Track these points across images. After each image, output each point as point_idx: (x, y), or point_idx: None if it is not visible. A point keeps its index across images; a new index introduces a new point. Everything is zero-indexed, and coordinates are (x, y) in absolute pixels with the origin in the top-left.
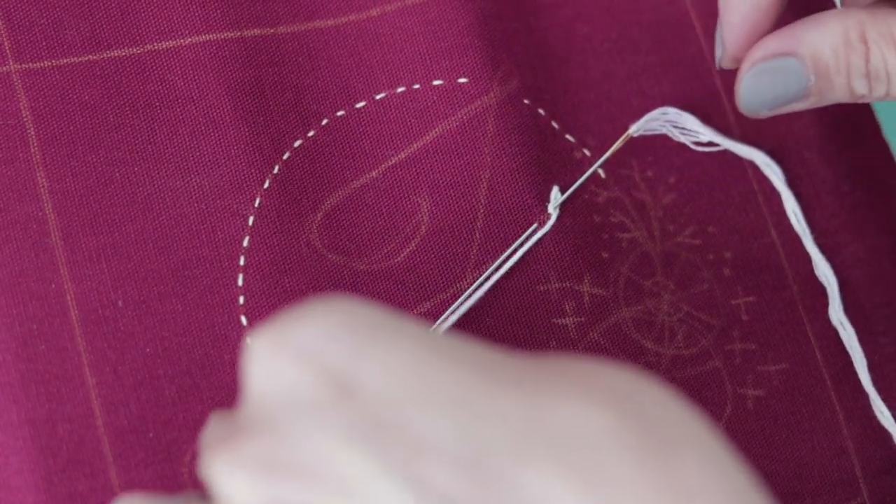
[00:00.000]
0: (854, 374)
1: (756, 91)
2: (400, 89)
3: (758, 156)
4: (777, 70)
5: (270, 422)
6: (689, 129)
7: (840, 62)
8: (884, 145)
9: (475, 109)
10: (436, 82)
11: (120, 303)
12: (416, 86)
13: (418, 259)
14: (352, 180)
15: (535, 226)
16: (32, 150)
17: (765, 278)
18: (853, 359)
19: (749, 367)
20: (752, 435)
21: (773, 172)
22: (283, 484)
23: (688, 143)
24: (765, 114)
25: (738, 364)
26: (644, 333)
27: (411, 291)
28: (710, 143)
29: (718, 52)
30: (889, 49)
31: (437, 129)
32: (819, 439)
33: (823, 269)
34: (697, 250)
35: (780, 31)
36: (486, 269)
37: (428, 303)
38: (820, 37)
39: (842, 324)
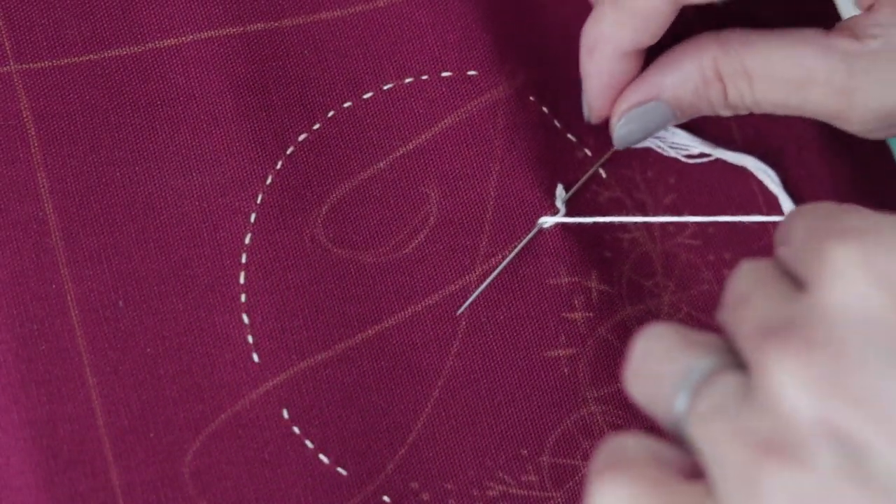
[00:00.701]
0: None
1: (628, 135)
2: (408, 80)
3: (750, 161)
4: (644, 114)
5: (839, 340)
6: (678, 143)
7: (701, 98)
8: (884, 147)
9: (485, 102)
10: (445, 74)
11: (120, 303)
12: (425, 77)
13: (427, 251)
14: (360, 171)
15: (543, 219)
16: (33, 151)
17: None
18: None
19: None
20: None
21: (768, 177)
22: (842, 409)
23: (679, 156)
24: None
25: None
26: None
27: (419, 283)
28: (703, 154)
29: (586, 111)
30: (744, 83)
31: (446, 121)
32: None
33: None
34: (697, 251)
35: (640, 79)
36: (495, 261)
37: (436, 294)
38: (679, 80)
39: None
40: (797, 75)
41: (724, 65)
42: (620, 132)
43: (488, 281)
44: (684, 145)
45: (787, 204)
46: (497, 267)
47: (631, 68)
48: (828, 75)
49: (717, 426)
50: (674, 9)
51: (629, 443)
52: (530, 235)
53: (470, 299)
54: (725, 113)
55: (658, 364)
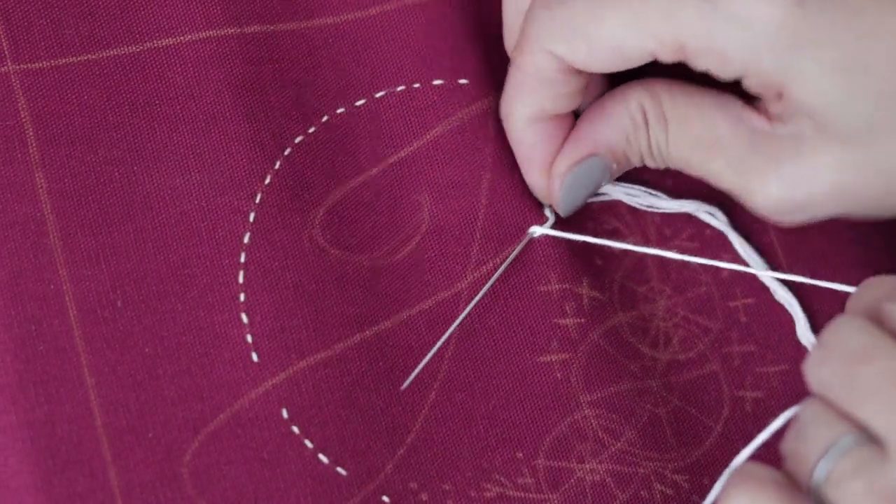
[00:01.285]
0: None
1: (573, 200)
2: (400, 88)
3: (693, 206)
4: (583, 173)
5: None
6: (617, 196)
7: (632, 147)
8: None
9: (476, 110)
10: (436, 82)
11: (119, 302)
12: (417, 85)
13: (419, 257)
14: (353, 177)
15: (533, 228)
16: (31, 151)
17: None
18: None
19: (748, 368)
20: (750, 436)
21: (718, 220)
22: None
23: (638, 206)
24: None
25: (736, 366)
26: (639, 338)
27: (413, 288)
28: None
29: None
30: (661, 132)
31: (437, 129)
32: None
33: (783, 295)
34: (695, 253)
35: (573, 136)
36: (486, 269)
37: (430, 300)
38: (611, 131)
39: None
40: (705, 137)
41: (650, 109)
42: (564, 199)
43: (473, 303)
44: (631, 195)
45: (735, 238)
46: (489, 275)
47: (553, 134)
48: (731, 147)
49: (857, 484)
50: (566, 76)
51: (761, 468)
52: (518, 248)
53: (456, 322)
54: (651, 164)
55: (812, 432)
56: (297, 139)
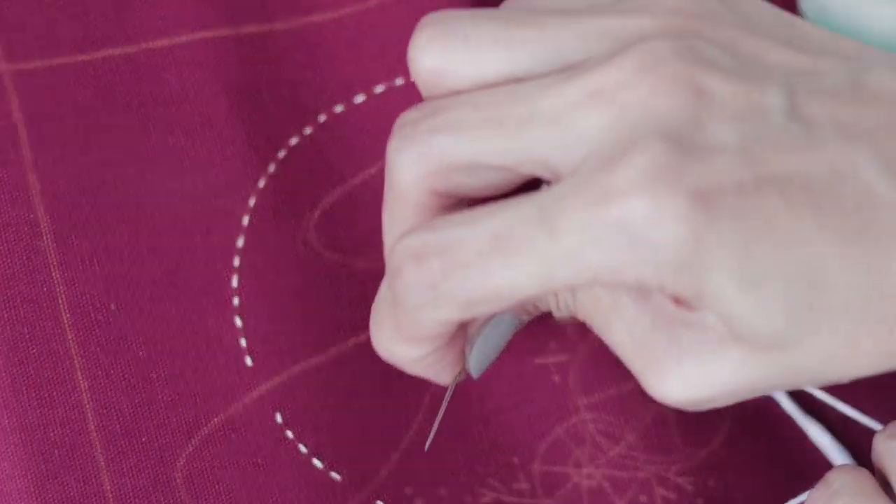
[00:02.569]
0: None
1: (484, 360)
2: (398, 82)
3: None
4: (492, 334)
5: None
6: None
7: (541, 301)
8: None
9: None
10: None
11: (112, 306)
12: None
13: None
14: (350, 177)
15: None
16: (24, 152)
17: None
18: None
19: None
20: (753, 438)
21: None
22: None
23: None
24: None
25: None
26: None
27: None
28: None
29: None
30: (568, 292)
31: None
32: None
33: None
34: None
35: None
36: None
37: None
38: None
39: None
40: (608, 308)
41: None
42: (474, 362)
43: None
44: None
45: None
46: None
47: (442, 352)
48: (633, 322)
49: None
50: (457, 324)
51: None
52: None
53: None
54: (559, 314)
55: None
56: (293, 141)
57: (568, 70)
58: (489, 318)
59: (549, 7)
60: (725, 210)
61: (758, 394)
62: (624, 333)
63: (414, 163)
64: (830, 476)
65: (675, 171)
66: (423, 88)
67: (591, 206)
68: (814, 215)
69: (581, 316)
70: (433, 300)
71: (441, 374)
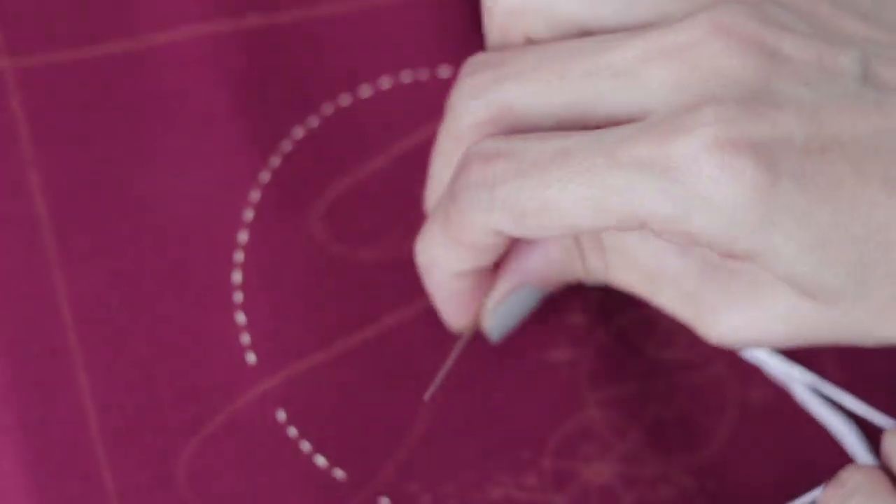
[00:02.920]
0: None
1: (502, 326)
2: (405, 73)
3: None
4: (514, 303)
5: None
6: None
7: (566, 273)
8: None
9: None
10: (442, 68)
11: (114, 303)
12: (423, 71)
13: None
14: (357, 168)
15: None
16: (24, 148)
17: None
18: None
19: (755, 368)
20: (757, 437)
21: None
22: None
23: None
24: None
25: (743, 366)
26: (645, 338)
27: (418, 282)
28: None
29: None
30: (599, 259)
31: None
32: (831, 437)
33: None
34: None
35: (503, 270)
36: None
37: None
38: (543, 261)
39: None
40: (649, 267)
41: (585, 236)
42: (494, 326)
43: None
44: None
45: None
46: None
47: (480, 283)
48: (679, 280)
49: None
50: (506, 241)
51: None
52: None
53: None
54: (589, 281)
55: None
56: (298, 134)
57: (640, 28)
58: (512, 291)
59: None
60: (790, 170)
61: (808, 343)
62: (670, 292)
63: (477, 107)
64: (844, 475)
65: (741, 129)
66: (498, 32)
67: (654, 147)
68: (882, 180)
69: (615, 280)
70: (489, 201)
71: (459, 314)
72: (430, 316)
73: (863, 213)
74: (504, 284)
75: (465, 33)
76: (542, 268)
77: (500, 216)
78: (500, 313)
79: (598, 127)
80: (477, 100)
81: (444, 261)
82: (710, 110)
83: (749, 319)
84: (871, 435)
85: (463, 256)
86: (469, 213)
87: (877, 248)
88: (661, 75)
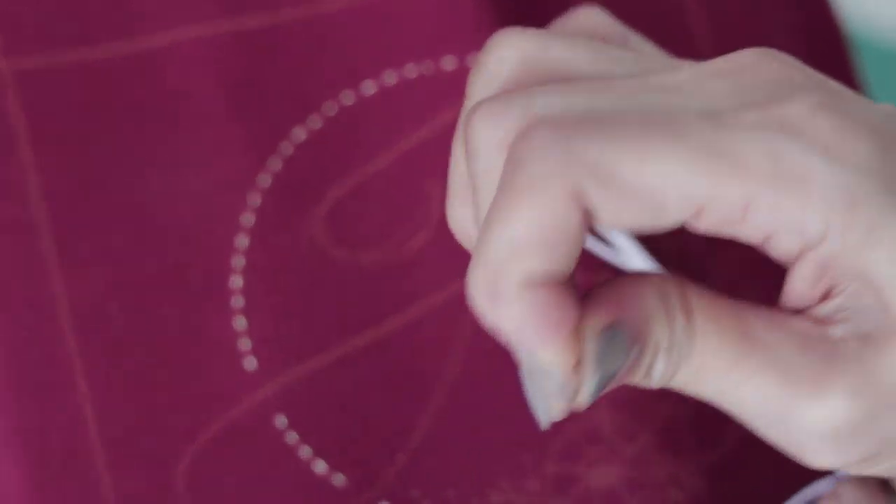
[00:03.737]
0: None
1: (599, 384)
2: (409, 69)
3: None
4: (608, 343)
5: None
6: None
7: (652, 334)
8: None
9: None
10: (446, 62)
11: (113, 308)
12: (427, 65)
13: (429, 250)
14: (359, 168)
15: None
16: (23, 152)
17: (775, 275)
18: None
19: None
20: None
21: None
22: None
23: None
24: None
25: None
26: None
27: (420, 284)
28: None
29: (538, 405)
30: (682, 325)
31: (448, 113)
32: None
33: None
34: (710, 242)
35: (590, 302)
36: None
37: (437, 296)
38: (636, 304)
39: None
40: (744, 339)
41: (674, 297)
42: (591, 385)
43: None
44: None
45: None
46: None
47: (555, 299)
48: (777, 352)
49: None
50: (584, 231)
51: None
52: None
53: None
54: (656, 379)
55: None
56: (299, 135)
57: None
58: (608, 327)
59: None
60: None
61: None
62: (771, 372)
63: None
64: (840, 489)
65: (837, 101)
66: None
67: (763, 113)
68: None
69: (682, 384)
70: (566, 155)
71: (542, 336)
72: (432, 320)
73: None
74: (598, 314)
75: (468, 22)
76: (634, 308)
77: (584, 175)
78: (594, 365)
79: None
80: (502, 115)
81: (515, 262)
82: (811, 97)
83: (862, 387)
84: None
85: (540, 251)
86: (541, 176)
87: None
88: (721, 84)
